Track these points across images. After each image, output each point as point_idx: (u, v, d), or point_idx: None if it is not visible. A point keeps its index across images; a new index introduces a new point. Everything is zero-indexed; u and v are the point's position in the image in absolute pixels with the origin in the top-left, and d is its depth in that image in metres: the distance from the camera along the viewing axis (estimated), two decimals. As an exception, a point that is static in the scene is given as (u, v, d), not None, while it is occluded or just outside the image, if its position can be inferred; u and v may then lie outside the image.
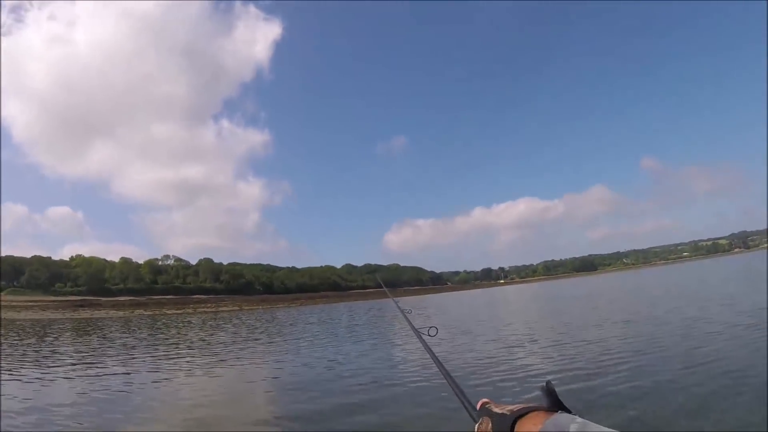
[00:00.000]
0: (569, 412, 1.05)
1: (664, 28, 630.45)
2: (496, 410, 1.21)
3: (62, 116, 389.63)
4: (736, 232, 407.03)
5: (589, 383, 12.31)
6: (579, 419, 0.96)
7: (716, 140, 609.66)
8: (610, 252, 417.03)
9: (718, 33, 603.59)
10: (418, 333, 2.67)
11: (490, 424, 1.19)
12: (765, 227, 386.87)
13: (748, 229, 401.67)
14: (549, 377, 13.26)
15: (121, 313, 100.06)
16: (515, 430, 1.10)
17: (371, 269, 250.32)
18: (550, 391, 1.10)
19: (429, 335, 3.05)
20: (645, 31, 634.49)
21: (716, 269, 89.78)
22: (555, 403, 1.09)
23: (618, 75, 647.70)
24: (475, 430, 1.25)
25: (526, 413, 1.11)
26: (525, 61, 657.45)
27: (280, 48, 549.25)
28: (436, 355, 2.02)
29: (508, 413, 1.15)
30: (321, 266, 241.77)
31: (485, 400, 1.30)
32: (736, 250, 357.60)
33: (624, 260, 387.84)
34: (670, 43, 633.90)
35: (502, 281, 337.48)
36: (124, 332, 46.06)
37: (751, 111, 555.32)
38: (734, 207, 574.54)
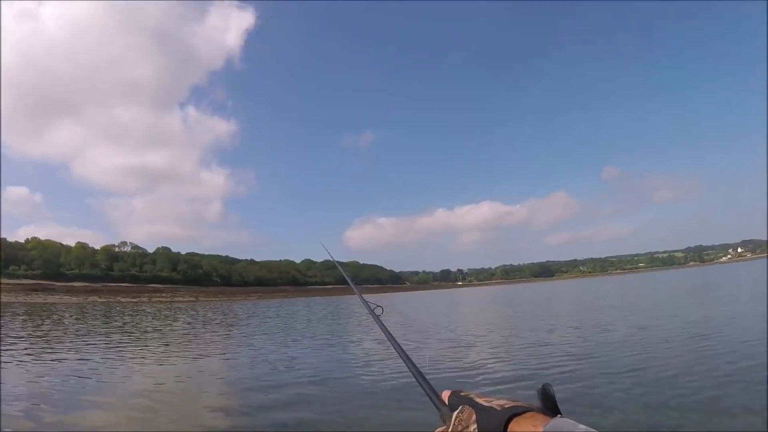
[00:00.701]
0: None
1: (629, 40, 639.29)
2: (481, 402, 1.05)
3: (27, 94, 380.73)
4: (692, 245, 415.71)
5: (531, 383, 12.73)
6: (582, 426, 0.84)
7: (679, 155, 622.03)
8: (567, 259, 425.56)
9: (685, 47, 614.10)
10: (375, 316, 2.55)
11: (474, 416, 1.03)
12: (720, 242, 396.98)
13: (704, 244, 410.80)
14: (501, 374, 14.05)
15: (75, 299, 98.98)
16: (509, 428, 0.95)
17: (331, 265, 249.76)
18: (547, 395, 0.96)
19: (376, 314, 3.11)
20: (610, 44, 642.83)
21: (671, 281, 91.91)
22: (552, 408, 0.96)
23: (586, 85, 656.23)
24: (452, 418, 1.06)
25: (523, 412, 0.97)
26: (494, 69, 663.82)
27: (253, 37, 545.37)
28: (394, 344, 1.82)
29: (498, 408, 0.99)
30: (280, 260, 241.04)
31: (453, 389, 1.20)
32: (691, 263, 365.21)
33: (581, 268, 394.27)
34: (637, 55, 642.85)
35: (460, 283, 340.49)
36: (77, 319, 45.85)
37: (713, 128, 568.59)
38: (692, 221, 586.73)
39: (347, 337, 29.03)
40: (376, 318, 2.37)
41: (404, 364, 1.52)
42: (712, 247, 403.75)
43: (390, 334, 1.86)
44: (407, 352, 1.53)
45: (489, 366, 15.90)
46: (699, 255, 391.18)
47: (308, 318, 46.12)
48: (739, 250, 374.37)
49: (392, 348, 1.74)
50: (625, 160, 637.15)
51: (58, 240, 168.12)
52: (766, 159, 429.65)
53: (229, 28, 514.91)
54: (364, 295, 2.46)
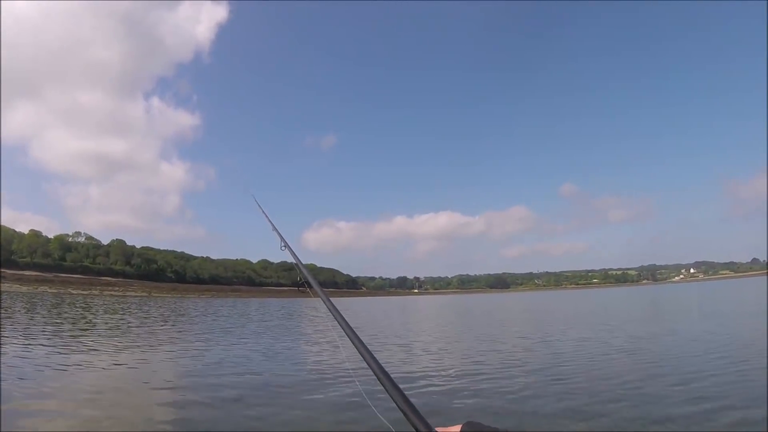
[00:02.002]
0: None
1: (597, 61, 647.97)
2: None
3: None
4: (645, 264, 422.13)
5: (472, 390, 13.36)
6: None
7: (634, 174, 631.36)
8: (523, 272, 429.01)
9: (639, 68, 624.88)
10: (338, 314, 2.42)
11: None
12: (673, 262, 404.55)
13: (658, 263, 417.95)
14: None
15: (24, 289, 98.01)
16: None
17: (287, 267, 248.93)
18: None
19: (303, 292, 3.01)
20: (577, 64, 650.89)
21: (623, 298, 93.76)
22: None
23: (551, 101, 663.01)
24: None
25: None
26: (460, 81, 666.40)
27: (223, 31, 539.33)
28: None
29: None
30: (236, 259, 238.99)
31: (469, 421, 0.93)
32: (644, 281, 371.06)
33: (536, 281, 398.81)
34: (601, 76, 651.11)
35: (416, 291, 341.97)
36: (26, 309, 45.62)
37: (669, 148, 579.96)
38: (646, 240, 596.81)
39: (301, 340, 29.13)
40: (339, 316, 1.97)
41: (378, 379, 1.35)
42: (665, 267, 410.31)
43: (360, 340, 1.43)
44: (379, 361, 1.34)
45: (430, 376, 15.88)
46: (652, 273, 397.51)
47: (261, 319, 46.37)
48: (692, 270, 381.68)
49: (362, 358, 1.37)
50: (584, 178, 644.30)
51: (11, 226, 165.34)
52: (766, 180, 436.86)
53: (201, 21, 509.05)
54: (316, 299, 2.33)
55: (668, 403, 11.20)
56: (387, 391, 1.10)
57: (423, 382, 14.77)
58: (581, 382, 14.11)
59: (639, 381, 13.83)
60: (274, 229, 3.53)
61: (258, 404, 11.96)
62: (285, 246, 2.98)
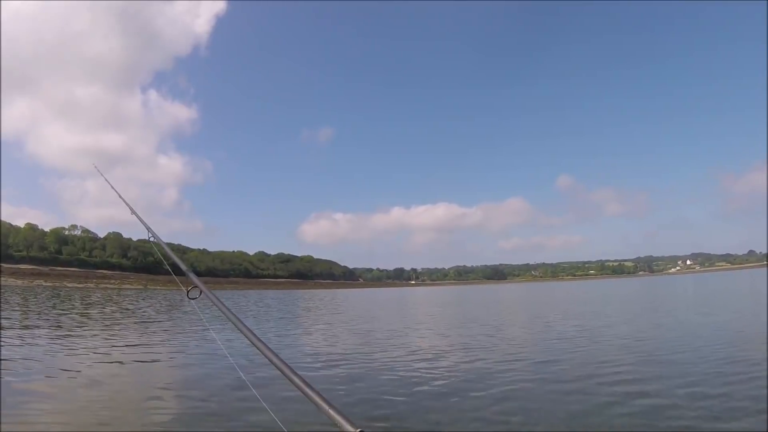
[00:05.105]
0: None
1: (594, 51, 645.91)
2: None
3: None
4: (642, 255, 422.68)
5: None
6: None
7: (631, 168, 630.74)
8: (520, 263, 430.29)
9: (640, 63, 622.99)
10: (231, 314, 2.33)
11: None
12: (669, 254, 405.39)
13: (654, 255, 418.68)
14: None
15: (20, 282, 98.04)
16: None
17: (284, 258, 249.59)
18: None
19: (190, 297, 3.00)
20: (579, 54, 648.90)
21: (619, 289, 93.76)
22: None
23: (543, 93, 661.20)
24: None
25: None
26: (460, 71, 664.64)
27: (221, 23, 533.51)
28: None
29: None
30: (233, 251, 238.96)
31: None
32: (641, 272, 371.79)
33: (533, 272, 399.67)
34: (601, 66, 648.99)
35: (413, 282, 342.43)
36: (21, 303, 45.48)
37: (666, 143, 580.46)
38: (641, 232, 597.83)
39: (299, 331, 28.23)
40: (223, 306, 1.91)
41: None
42: (662, 258, 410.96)
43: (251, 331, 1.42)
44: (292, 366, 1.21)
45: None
46: (649, 265, 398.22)
47: (257, 312, 46.14)
48: (688, 262, 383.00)
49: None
50: (580, 170, 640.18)
51: (7, 220, 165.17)
52: (766, 177, 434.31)
53: (199, 14, 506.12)
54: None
55: (660, 397, 10.77)
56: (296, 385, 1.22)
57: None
58: (568, 375, 13.52)
59: (626, 373, 13.41)
60: (141, 220, 3.40)
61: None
62: (152, 236, 2.89)
